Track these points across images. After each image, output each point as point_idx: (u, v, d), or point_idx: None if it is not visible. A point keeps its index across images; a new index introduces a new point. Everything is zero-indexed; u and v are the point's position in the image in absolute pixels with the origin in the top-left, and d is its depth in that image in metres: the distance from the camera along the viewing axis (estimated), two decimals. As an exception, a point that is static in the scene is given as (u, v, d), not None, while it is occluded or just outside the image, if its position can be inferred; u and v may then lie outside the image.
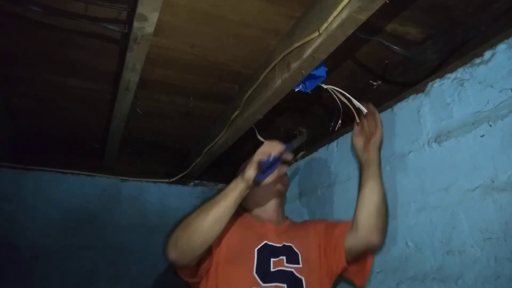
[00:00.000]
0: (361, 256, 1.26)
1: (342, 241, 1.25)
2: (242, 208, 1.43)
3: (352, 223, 1.24)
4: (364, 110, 1.24)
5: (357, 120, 1.29)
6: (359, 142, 1.32)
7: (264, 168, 1.06)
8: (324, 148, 1.72)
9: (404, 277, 1.21)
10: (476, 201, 1.03)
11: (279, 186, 1.37)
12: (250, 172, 1.06)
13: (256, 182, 1.06)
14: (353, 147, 1.35)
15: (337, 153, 1.63)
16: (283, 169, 1.18)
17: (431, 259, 1.13)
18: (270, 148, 1.09)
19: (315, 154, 1.78)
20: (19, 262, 1.72)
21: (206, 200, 1.12)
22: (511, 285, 0.92)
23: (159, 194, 2.11)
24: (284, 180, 1.41)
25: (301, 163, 1.89)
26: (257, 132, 1.56)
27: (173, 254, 1.08)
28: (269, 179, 1.10)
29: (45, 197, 1.86)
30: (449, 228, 1.10)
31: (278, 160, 1.09)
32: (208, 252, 1.15)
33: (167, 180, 2.11)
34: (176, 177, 2.01)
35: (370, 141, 1.28)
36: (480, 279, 0.99)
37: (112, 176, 2.04)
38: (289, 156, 1.12)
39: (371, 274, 1.34)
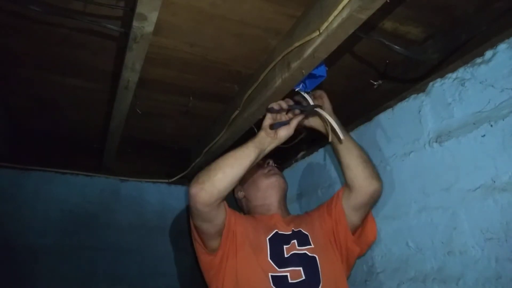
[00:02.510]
0: (364, 219, 1.27)
1: (340, 206, 1.26)
2: (248, 213, 1.50)
3: (347, 184, 1.25)
4: (341, 136, 1.20)
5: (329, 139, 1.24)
6: (314, 122, 1.31)
7: (279, 120, 1.19)
8: (324, 148, 1.71)
9: (404, 278, 1.20)
10: (477, 201, 1.03)
11: (277, 179, 1.46)
12: (265, 120, 1.19)
13: (273, 127, 1.16)
14: (314, 130, 1.33)
15: (337, 153, 1.62)
16: (297, 119, 1.21)
17: (432, 259, 1.13)
18: (280, 103, 1.19)
19: (315, 155, 1.78)
20: (18, 262, 1.72)
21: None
22: (512, 285, 0.92)
23: (158, 194, 2.10)
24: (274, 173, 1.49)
25: (301, 163, 1.88)
26: (257, 132, 1.55)
27: (194, 188, 1.12)
28: (284, 130, 1.18)
29: (44, 197, 1.85)
30: (450, 228, 1.09)
31: (292, 112, 1.21)
32: (228, 230, 1.24)
33: (166, 180, 2.10)
34: (176, 177, 2.00)
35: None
36: (481, 279, 0.99)
37: (112, 176, 2.03)
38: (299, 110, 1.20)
39: (371, 275, 1.33)
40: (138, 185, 2.08)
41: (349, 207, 1.25)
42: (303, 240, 1.27)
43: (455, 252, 1.07)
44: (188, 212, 2.14)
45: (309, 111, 1.24)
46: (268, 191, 1.44)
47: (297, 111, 1.21)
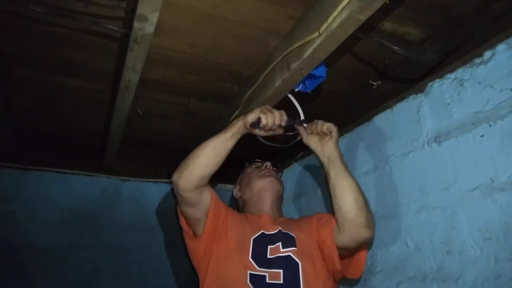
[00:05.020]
0: (353, 254, 1.23)
1: (331, 241, 1.20)
2: (242, 212, 1.51)
3: (337, 224, 1.18)
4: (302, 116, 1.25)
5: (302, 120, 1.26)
6: (312, 140, 1.25)
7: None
8: (324, 148, 1.71)
9: (404, 277, 1.21)
10: (476, 201, 1.04)
11: (270, 181, 1.47)
12: (251, 116, 1.16)
13: (253, 125, 1.17)
14: (310, 148, 1.26)
15: (337, 153, 1.63)
16: (279, 131, 1.23)
17: (431, 259, 1.13)
18: (274, 118, 1.16)
19: (315, 155, 1.78)
20: (19, 262, 1.73)
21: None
22: (511, 285, 0.92)
23: (159, 194, 2.11)
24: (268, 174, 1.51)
25: (301, 163, 1.89)
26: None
27: (175, 176, 1.21)
28: (262, 132, 1.20)
29: (45, 197, 1.86)
30: (449, 228, 1.10)
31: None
32: (216, 217, 1.27)
33: (167, 180, 2.11)
34: (176, 177, 2.01)
35: (324, 137, 1.22)
36: (480, 279, 0.99)
37: (112, 176, 2.04)
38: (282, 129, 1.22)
39: (371, 274, 1.34)
40: (139, 184, 2.09)
41: (337, 243, 1.19)
42: (288, 242, 1.26)
43: (454, 252, 1.07)
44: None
45: (297, 124, 1.26)
46: (261, 192, 1.46)
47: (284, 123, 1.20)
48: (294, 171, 1.92)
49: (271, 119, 1.15)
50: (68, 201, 1.90)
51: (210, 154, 1.20)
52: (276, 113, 1.17)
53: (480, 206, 1.02)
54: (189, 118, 1.67)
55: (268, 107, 1.19)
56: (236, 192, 1.59)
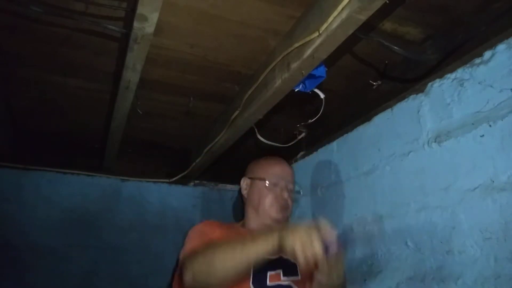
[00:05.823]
0: None
1: None
2: (246, 211, 1.37)
3: None
4: (322, 94, 1.16)
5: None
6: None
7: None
8: (323, 148, 1.72)
9: (404, 277, 1.21)
10: (476, 201, 1.04)
11: (280, 214, 1.30)
12: (288, 245, 0.88)
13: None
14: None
15: (336, 153, 1.63)
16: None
17: (431, 259, 1.13)
18: (314, 250, 0.85)
19: (314, 154, 1.78)
20: (19, 261, 1.73)
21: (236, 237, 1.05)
22: (511, 285, 0.92)
23: (159, 194, 2.11)
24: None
25: (301, 163, 1.89)
26: (257, 132, 1.56)
27: (188, 276, 0.99)
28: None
29: (45, 197, 1.86)
30: (448, 228, 1.10)
31: None
32: None
33: (167, 180, 2.11)
34: (176, 177, 2.01)
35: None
36: (480, 279, 0.99)
37: (112, 176, 2.04)
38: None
39: (371, 274, 1.34)
40: (139, 184, 2.09)
41: None
42: (290, 270, 1.17)
43: (454, 252, 1.07)
44: (189, 212, 2.15)
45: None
46: (268, 219, 1.29)
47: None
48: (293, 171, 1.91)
49: (310, 254, 0.85)
50: (68, 201, 1.90)
51: (229, 266, 0.95)
52: (315, 242, 0.85)
53: (480, 206, 1.02)
54: (189, 118, 1.67)
55: (313, 233, 0.86)
56: (244, 186, 1.38)
